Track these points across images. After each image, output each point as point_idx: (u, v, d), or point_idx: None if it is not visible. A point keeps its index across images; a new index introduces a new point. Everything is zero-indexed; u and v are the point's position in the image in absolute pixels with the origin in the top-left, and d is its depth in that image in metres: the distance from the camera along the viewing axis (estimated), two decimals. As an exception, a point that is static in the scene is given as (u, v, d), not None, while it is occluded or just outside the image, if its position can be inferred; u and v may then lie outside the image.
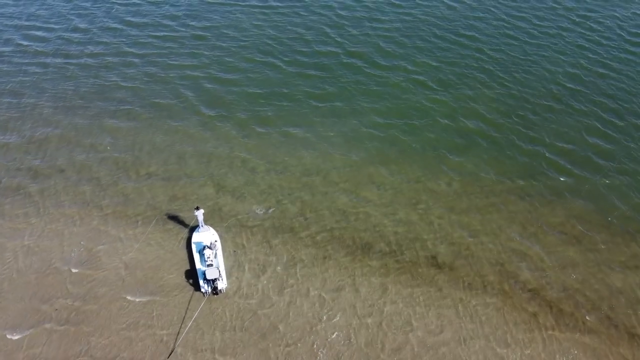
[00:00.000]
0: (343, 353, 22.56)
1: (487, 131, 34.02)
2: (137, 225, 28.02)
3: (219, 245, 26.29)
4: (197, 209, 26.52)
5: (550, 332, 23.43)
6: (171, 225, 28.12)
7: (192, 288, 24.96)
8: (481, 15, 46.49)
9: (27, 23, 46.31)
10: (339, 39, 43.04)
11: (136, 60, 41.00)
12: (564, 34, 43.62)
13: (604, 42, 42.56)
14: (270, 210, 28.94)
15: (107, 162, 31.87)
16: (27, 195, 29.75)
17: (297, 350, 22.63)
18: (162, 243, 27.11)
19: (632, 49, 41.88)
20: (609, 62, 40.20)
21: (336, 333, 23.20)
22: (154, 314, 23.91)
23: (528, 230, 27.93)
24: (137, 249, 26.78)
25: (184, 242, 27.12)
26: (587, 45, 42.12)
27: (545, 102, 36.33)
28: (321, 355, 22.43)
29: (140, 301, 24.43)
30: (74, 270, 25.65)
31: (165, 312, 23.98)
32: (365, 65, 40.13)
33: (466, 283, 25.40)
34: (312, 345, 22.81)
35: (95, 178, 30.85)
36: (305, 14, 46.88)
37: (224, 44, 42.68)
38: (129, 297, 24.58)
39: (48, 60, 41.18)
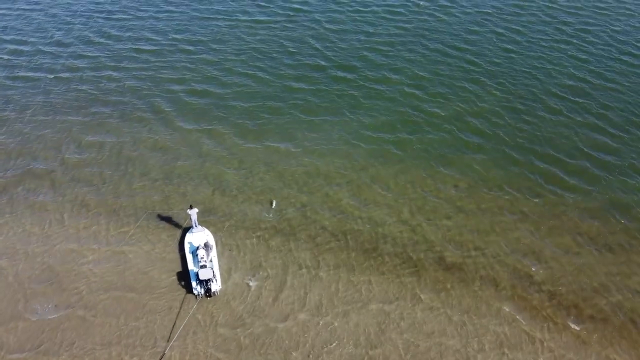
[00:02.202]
0: None
1: (489, 139, 32.82)
2: (125, 227, 26.59)
3: (213, 246, 24.57)
4: (191, 207, 25.01)
5: (563, 335, 21.94)
6: (163, 225, 26.66)
7: (184, 290, 23.21)
8: (474, 28, 45.92)
9: (4, 37, 44.86)
10: (327, 52, 42.10)
11: (117, 74, 39.69)
12: (559, 45, 42.78)
13: (601, 53, 41.85)
14: (272, 211, 27.54)
15: (90, 171, 30.45)
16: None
17: (293, 357, 20.92)
18: (152, 244, 25.63)
19: (630, 60, 41.49)
20: (605, 72, 39.45)
21: (336, 341, 21.50)
22: (144, 315, 22.24)
23: (539, 232, 26.63)
24: (124, 251, 25.20)
25: (176, 243, 25.60)
26: (583, 57, 41.24)
27: (547, 102, 35.79)
28: (321, 362, 20.73)
29: (130, 303, 22.76)
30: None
31: (157, 315, 22.30)
32: (357, 77, 38.94)
33: (476, 286, 23.92)
34: (310, 352, 21.14)
35: (83, 183, 29.68)
36: (293, 27, 46.19)
37: (209, 58, 41.46)
38: (118, 297, 22.94)
39: (28, 73, 39.93)
